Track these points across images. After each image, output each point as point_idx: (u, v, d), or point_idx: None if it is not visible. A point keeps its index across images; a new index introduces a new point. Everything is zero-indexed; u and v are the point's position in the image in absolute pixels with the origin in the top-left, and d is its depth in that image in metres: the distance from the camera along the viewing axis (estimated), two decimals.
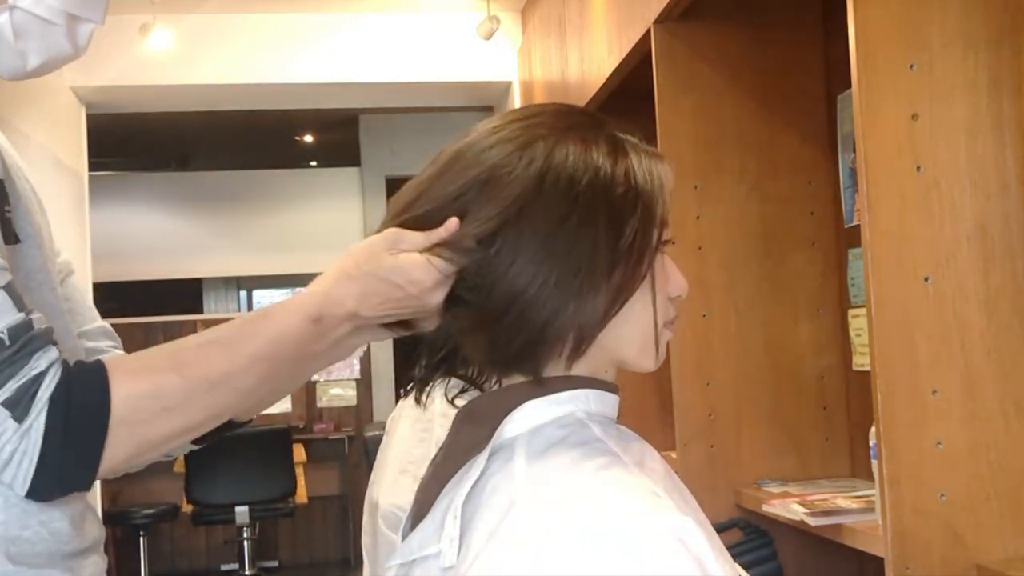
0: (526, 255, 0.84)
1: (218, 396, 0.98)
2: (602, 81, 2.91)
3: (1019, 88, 1.57)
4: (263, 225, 8.61)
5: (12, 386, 0.93)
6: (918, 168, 1.54)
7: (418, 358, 0.98)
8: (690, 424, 2.26)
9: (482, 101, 5.10)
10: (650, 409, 3.02)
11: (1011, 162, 1.56)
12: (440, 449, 0.94)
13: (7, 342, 0.94)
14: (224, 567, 7.13)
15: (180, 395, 0.96)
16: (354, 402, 7.64)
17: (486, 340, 0.86)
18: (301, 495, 6.46)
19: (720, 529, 1.58)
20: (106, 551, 1.16)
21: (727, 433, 2.27)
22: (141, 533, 6.40)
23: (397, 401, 2.23)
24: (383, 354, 7.68)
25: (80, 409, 0.94)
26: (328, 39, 4.57)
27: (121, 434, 0.95)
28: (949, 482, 1.51)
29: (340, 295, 0.94)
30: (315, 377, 7.17)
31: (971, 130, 1.55)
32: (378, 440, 2.14)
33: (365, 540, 2.01)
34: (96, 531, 1.13)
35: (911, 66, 1.54)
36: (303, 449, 6.95)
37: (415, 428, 1.96)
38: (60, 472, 0.95)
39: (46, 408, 0.93)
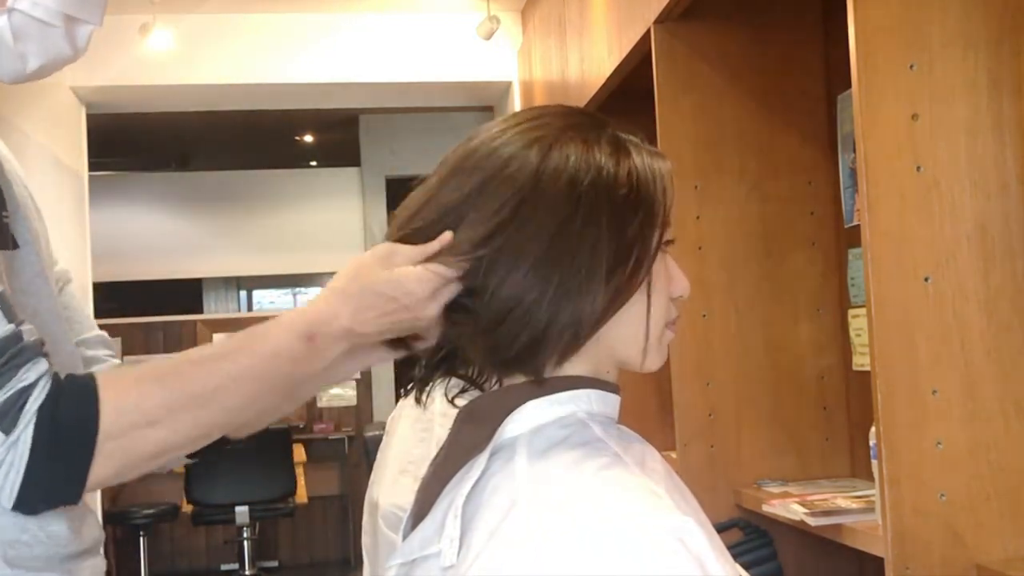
0: (529, 257, 0.84)
1: (204, 412, 0.96)
2: (602, 81, 2.91)
3: (1019, 88, 1.57)
4: (263, 225, 8.62)
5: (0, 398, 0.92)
6: (918, 168, 1.54)
7: (418, 358, 0.98)
8: (690, 424, 2.26)
9: (482, 101, 5.11)
10: (650, 409, 3.02)
11: (1011, 162, 1.56)
12: (441, 449, 0.94)
13: None
14: (224, 567, 7.13)
15: (165, 409, 0.95)
16: (354, 402, 7.64)
17: (488, 343, 0.86)
18: (301, 495, 6.46)
19: (720, 529, 1.58)
20: (106, 551, 1.16)
21: (727, 433, 2.27)
22: (141, 533, 6.40)
23: (397, 401, 2.23)
24: None
25: (68, 422, 0.93)
26: (328, 39, 4.57)
27: (109, 449, 0.94)
28: (949, 482, 1.51)
29: (333, 312, 0.92)
30: None
31: (971, 130, 1.55)
32: (378, 440, 2.15)
33: (365, 540, 2.01)
34: (95, 533, 1.13)
35: (911, 66, 1.54)
36: (303, 449, 6.95)
37: (415, 428, 1.96)
38: (47, 485, 0.94)
39: (34, 420, 0.92)
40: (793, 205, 2.32)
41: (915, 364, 1.52)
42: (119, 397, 0.95)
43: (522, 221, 0.84)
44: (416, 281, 0.88)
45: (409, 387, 0.99)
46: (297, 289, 10.20)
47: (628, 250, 0.85)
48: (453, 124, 6.46)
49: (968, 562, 1.50)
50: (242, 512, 6.07)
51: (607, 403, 0.89)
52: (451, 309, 0.89)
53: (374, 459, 2.09)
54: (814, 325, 2.32)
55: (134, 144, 8.09)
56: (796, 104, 2.34)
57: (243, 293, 10.30)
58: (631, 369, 0.91)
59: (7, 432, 0.92)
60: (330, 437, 7.52)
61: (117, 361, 1.29)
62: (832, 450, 2.30)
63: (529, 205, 0.85)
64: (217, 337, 7.86)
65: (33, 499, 0.94)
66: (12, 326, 0.96)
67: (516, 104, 4.59)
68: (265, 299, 10.35)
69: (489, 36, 4.22)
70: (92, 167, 4.88)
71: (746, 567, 1.14)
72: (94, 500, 4.07)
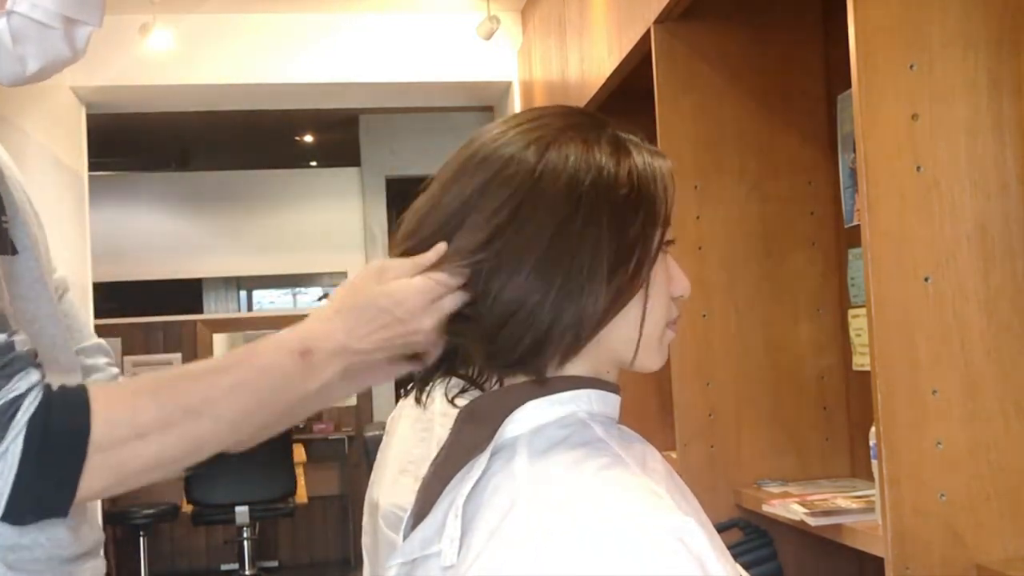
0: (530, 258, 0.84)
1: (197, 426, 0.94)
2: (602, 81, 2.91)
3: (1019, 88, 1.57)
4: (263, 225, 8.61)
5: None
6: (918, 168, 1.54)
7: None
8: (690, 424, 2.26)
9: (482, 101, 5.11)
10: (650, 409, 3.02)
11: (1011, 162, 1.56)
12: (442, 449, 0.94)
13: None
14: (224, 567, 7.13)
15: (154, 422, 0.93)
16: (354, 402, 7.64)
17: (491, 347, 0.86)
18: (301, 495, 6.46)
19: (720, 529, 1.58)
20: (106, 551, 1.16)
21: (727, 433, 2.27)
22: (141, 533, 6.40)
23: (397, 401, 2.23)
24: None
25: (59, 434, 0.92)
26: (328, 39, 4.57)
27: (99, 461, 0.92)
28: (949, 482, 1.51)
29: (328, 329, 0.92)
30: None
31: (971, 130, 1.55)
32: (378, 440, 2.15)
33: (365, 540, 2.01)
34: (94, 535, 1.12)
35: (911, 66, 1.54)
36: (303, 449, 6.95)
37: (415, 428, 1.96)
38: (36, 497, 0.93)
39: (24, 431, 0.90)
40: (793, 205, 2.32)
41: (915, 364, 1.52)
42: (111, 409, 0.93)
43: (521, 222, 0.84)
44: (413, 293, 0.87)
45: (409, 387, 0.99)
46: (297, 289, 10.20)
47: (630, 250, 0.85)
48: (453, 124, 6.46)
49: (968, 562, 1.50)
50: (242, 512, 6.07)
51: (607, 403, 0.89)
52: (450, 320, 0.89)
53: (374, 459, 2.09)
54: (814, 325, 2.32)
55: (134, 144, 8.08)
56: (796, 104, 2.34)
57: (243, 293, 10.29)
58: (633, 369, 0.91)
59: None
60: (330, 437, 7.52)
61: (116, 369, 1.29)
62: (832, 450, 2.30)
63: (528, 206, 0.84)
64: (217, 337, 7.88)
65: (21, 510, 0.93)
66: (4, 336, 0.95)
67: (516, 104, 4.59)
68: (265, 299, 10.35)
69: (489, 36, 4.22)
70: (92, 167, 4.88)
71: (746, 567, 1.14)
72: (94, 502, 4.07)
